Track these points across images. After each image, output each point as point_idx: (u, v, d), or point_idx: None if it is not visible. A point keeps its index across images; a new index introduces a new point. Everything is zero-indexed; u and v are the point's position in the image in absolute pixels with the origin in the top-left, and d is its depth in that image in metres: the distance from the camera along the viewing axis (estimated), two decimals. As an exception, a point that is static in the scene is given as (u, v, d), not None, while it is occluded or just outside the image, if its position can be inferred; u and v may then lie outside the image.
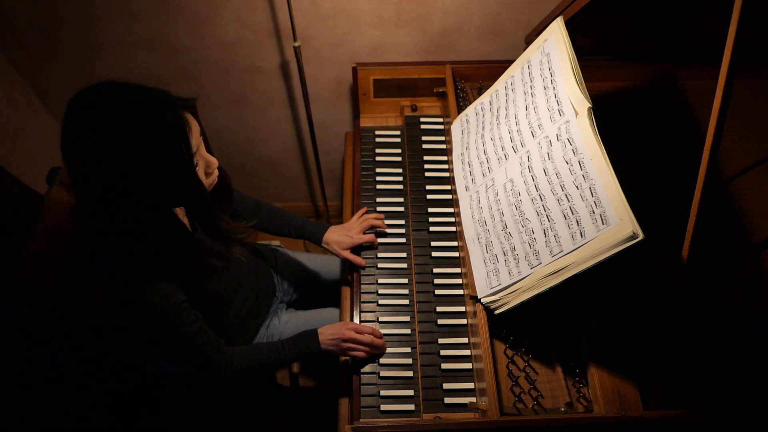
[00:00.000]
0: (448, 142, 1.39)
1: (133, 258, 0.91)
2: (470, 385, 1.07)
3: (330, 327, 1.12)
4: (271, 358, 1.09)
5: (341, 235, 1.25)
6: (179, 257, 0.95)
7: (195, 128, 0.88)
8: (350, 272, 1.26)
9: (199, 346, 1.01)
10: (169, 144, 0.82)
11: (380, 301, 1.20)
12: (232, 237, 1.04)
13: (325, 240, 1.27)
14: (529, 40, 1.45)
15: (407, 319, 1.17)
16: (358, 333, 1.09)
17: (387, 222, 1.31)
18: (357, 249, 1.27)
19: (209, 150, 0.97)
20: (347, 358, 1.11)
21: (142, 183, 0.82)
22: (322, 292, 1.53)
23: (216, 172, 0.97)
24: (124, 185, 0.82)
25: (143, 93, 0.82)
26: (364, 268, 1.24)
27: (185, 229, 0.94)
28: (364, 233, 1.27)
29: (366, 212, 1.31)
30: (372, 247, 1.27)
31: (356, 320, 1.17)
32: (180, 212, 1.00)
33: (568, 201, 0.95)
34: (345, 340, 1.08)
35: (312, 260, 1.53)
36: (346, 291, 1.28)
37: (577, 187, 0.94)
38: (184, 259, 0.96)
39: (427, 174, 1.37)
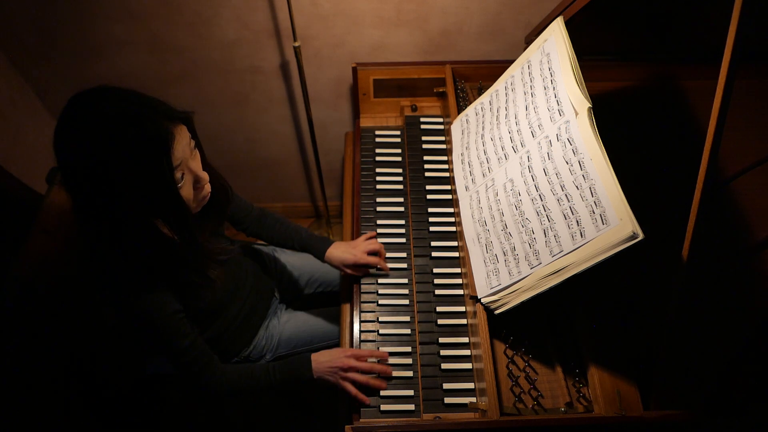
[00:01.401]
0: (448, 142, 1.39)
1: (123, 266, 0.91)
2: (470, 385, 1.07)
3: (326, 353, 1.08)
4: (260, 381, 1.07)
5: (345, 252, 1.21)
6: (163, 268, 0.94)
7: (182, 142, 0.85)
8: (351, 282, 1.23)
9: (192, 359, 1.00)
10: (147, 156, 0.81)
11: (380, 301, 1.20)
12: (212, 258, 1.01)
13: (327, 256, 1.23)
14: (529, 40, 1.45)
15: (407, 319, 1.17)
16: (357, 360, 1.06)
17: (387, 222, 1.31)
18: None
19: (206, 163, 0.95)
20: (342, 387, 1.06)
21: (119, 191, 0.81)
22: (322, 292, 1.53)
23: (207, 187, 0.94)
24: (104, 191, 0.81)
25: (135, 101, 0.82)
26: (368, 274, 1.22)
27: (167, 241, 0.92)
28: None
29: (374, 236, 1.28)
30: (375, 267, 1.23)
31: (356, 320, 1.17)
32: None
33: (568, 201, 0.95)
34: (345, 370, 1.05)
35: (311, 260, 1.52)
36: (345, 291, 1.28)
37: (577, 187, 0.94)
38: (169, 270, 0.95)
39: (427, 174, 1.37)
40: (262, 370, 1.08)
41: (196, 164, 0.91)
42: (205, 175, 0.92)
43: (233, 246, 1.17)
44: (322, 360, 1.07)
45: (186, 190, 0.88)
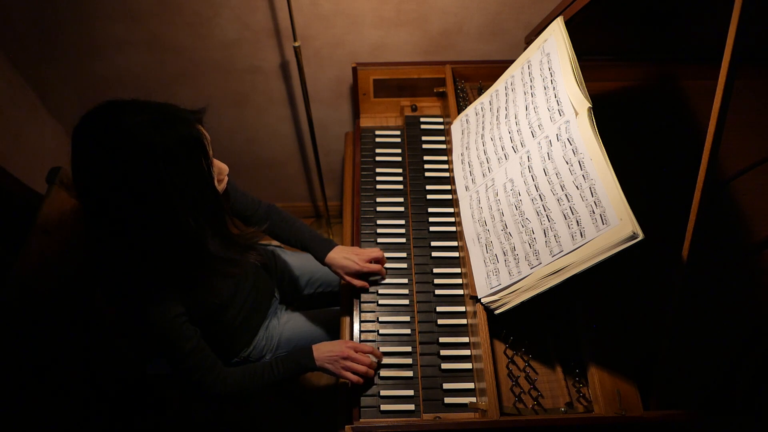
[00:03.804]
0: (448, 142, 1.39)
1: (135, 271, 0.91)
2: (470, 385, 1.07)
3: (327, 344, 1.10)
4: (264, 377, 1.07)
5: (346, 259, 1.20)
6: (193, 269, 0.95)
7: (208, 140, 0.89)
8: (351, 296, 1.22)
9: (195, 363, 1.01)
10: (189, 157, 0.83)
11: (380, 301, 1.20)
12: (247, 243, 1.03)
13: (328, 259, 1.22)
14: (529, 40, 1.45)
15: (407, 319, 1.17)
16: (357, 352, 1.07)
17: (387, 222, 1.31)
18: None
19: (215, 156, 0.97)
20: (344, 380, 1.08)
21: (162, 199, 0.82)
22: (322, 292, 1.53)
23: (226, 179, 0.98)
24: (144, 205, 0.81)
25: (152, 110, 0.82)
26: (367, 290, 1.21)
27: (201, 240, 0.93)
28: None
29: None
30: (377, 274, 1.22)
31: (356, 321, 1.17)
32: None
33: (568, 201, 0.95)
34: (345, 358, 1.06)
35: (311, 260, 1.52)
36: (345, 291, 1.28)
37: (577, 187, 0.94)
38: (197, 270, 0.96)
39: (427, 174, 1.37)
40: (265, 366, 1.09)
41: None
42: (225, 167, 0.96)
43: (260, 229, 1.17)
44: (323, 349, 1.09)
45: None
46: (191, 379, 1.02)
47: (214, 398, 1.05)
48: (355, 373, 1.06)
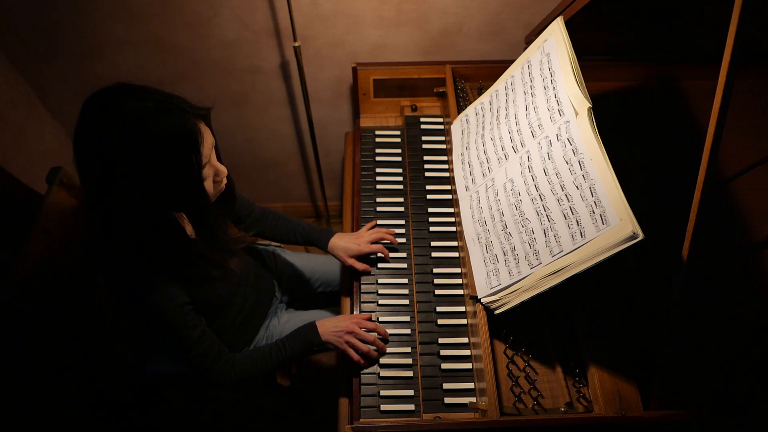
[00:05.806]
0: (448, 142, 1.39)
1: (136, 259, 0.91)
2: (470, 385, 1.07)
3: (332, 319, 1.11)
4: (273, 358, 1.08)
5: (348, 242, 1.23)
6: (178, 262, 0.95)
7: (208, 139, 0.89)
8: (351, 279, 1.24)
9: (203, 351, 1.01)
10: (178, 152, 0.83)
11: (380, 301, 1.20)
12: (230, 248, 1.04)
13: (330, 245, 1.25)
14: (529, 40, 1.45)
15: (407, 319, 1.17)
16: (362, 329, 1.08)
17: (387, 222, 1.31)
18: (363, 257, 1.25)
19: (219, 158, 0.97)
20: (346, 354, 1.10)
21: (147, 187, 0.83)
22: (322, 292, 1.53)
23: (225, 181, 0.98)
24: (130, 187, 0.83)
25: (157, 99, 0.83)
26: (369, 273, 1.23)
27: (185, 235, 0.95)
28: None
29: (375, 225, 1.29)
30: (379, 257, 1.25)
31: (356, 320, 1.17)
32: (183, 219, 1.00)
33: (568, 201, 0.95)
34: (349, 333, 1.07)
35: (311, 260, 1.53)
36: (346, 291, 1.28)
37: (577, 187, 0.94)
38: (183, 264, 0.96)
39: (427, 174, 1.37)
40: (272, 347, 1.10)
41: (215, 158, 0.93)
42: (224, 169, 0.96)
43: (248, 234, 1.18)
44: (328, 325, 1.10)
45: (208, 184, 0.91)
46: (200, 367, 1.02)
47: (224, 385, 1.05)
48: (357, 351, 1.07)
